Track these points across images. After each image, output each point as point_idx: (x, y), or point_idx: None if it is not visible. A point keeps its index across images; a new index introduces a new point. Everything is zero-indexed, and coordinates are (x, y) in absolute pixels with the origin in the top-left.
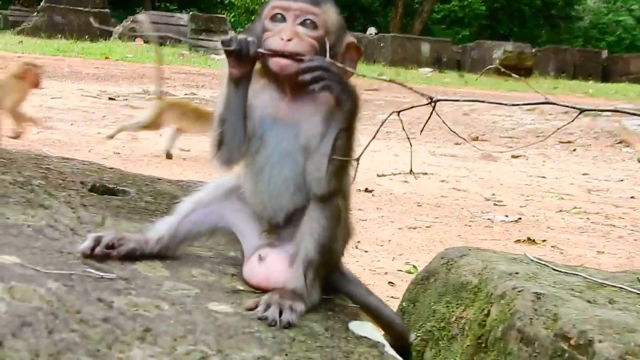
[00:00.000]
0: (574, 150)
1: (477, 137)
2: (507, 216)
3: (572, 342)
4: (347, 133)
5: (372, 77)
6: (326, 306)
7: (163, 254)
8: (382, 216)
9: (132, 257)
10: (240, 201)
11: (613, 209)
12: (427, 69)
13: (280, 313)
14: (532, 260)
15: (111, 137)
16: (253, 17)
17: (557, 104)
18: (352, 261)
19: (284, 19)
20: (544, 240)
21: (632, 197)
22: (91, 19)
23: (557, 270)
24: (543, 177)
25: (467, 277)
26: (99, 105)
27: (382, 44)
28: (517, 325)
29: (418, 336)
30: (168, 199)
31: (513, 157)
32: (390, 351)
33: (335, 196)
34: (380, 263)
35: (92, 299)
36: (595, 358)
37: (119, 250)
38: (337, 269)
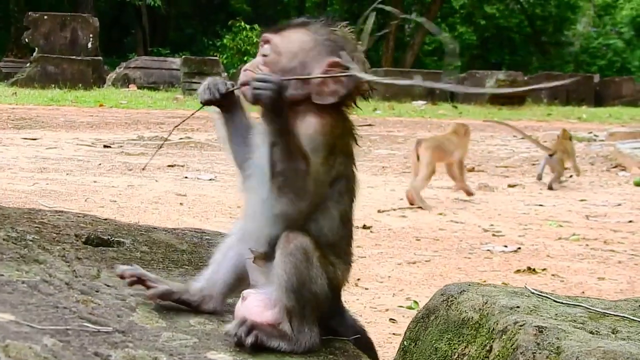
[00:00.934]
0: (570, 176)
1: (473, 168)
2: (506, 246)
3: None
4: (280, 146)
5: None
6: (326, 349)
7: (206, 306)
8: (381, 252)
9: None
10: None
11: (612, 234)
12: (421, 102)
13: (250, 335)
14: (533, 293)
15: (412, 203)
16: (245, 58)
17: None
18: (353, 299)
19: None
20: (544, 269)
21: (630, 221)
22: None
23: (558, 302)
24: (541, 205)
25: (468, 313)
26: (94, 153)
27: None
28: None
29: None
30: (164, 248)
31: (510, 186)
32: None
33: (300, 231)
34: (381, 300)
35: (88, 354)
36: None
37: (156, 290)
38: (337, 310)
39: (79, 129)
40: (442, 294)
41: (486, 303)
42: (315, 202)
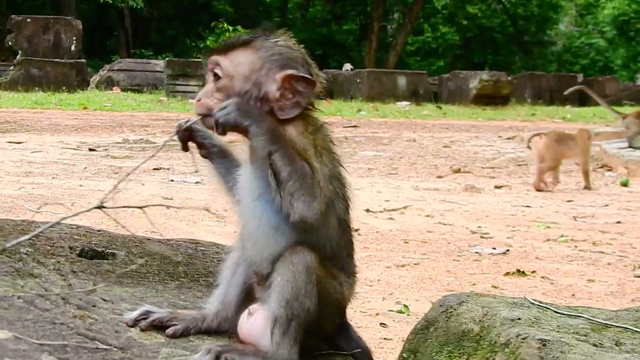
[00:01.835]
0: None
1: (460, 169)
2: (494, 248)
3: None
4: (278, 152)
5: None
6: None
7: (224, 328)
8: (370, 255)
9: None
10: None
11: (600, 235)
12: (405, 102)
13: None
14: (533, 304)
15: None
16: None
17: None
18: None
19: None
20: (534, 272)
21: (618, 222)
22: None
23: (559, 313)
24: (528, 206)
25: (468, 325)
26: (79, 157)
27: (358, 80)
28: None
29: None
30: (159, 260)
31: (496, 187)
32: None
33: (305, 246)
34: (371, 304)
35: None
36: None
37: (175, 329)
38: (343, 326)
39: (63, 132)
40: (440, 305)
41: (486, 315)
42: (326, 201)
